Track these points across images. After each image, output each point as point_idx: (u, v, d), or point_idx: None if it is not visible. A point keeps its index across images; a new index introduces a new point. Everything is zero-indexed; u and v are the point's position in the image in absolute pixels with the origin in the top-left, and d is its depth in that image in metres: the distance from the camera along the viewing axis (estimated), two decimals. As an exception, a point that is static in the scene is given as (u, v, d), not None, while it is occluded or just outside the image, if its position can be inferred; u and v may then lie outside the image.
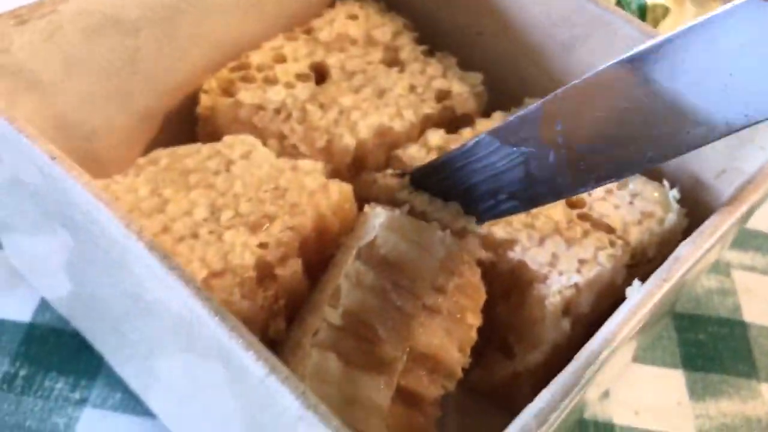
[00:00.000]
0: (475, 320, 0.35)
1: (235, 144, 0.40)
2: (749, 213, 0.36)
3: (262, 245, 0.35)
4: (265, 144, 0.41)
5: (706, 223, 0.33)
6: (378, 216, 0.35)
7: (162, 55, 0.43)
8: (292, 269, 0.35)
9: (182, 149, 0.40)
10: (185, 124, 0.46)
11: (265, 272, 0.35)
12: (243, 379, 0.27)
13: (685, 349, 0.47)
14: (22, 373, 0.41)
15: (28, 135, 0.31)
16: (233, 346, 0.26)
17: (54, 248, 0.37)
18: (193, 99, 0.46)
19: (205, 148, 0.40)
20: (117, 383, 0.41)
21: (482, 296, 0.36)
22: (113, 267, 0.31)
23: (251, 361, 0.25)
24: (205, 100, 0.44)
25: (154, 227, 0.34)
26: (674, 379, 0.46)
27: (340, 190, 0.38)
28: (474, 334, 0.35)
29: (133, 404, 0.41)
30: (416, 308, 0.33)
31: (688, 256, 0.31)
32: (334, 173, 0.41)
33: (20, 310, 0.44)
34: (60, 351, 0.42)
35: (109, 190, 0.36)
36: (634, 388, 0.45)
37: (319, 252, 0.38)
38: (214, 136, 0.42)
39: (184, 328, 0.28)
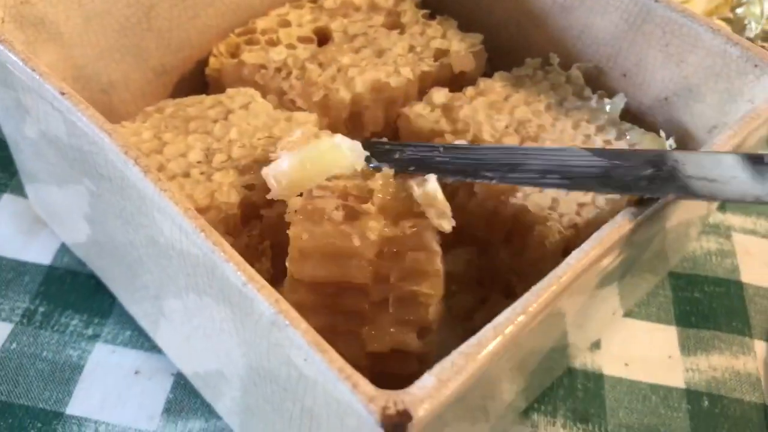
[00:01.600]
0: (430, 293, 0.33)
1: (237, 96, 0.42)
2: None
3: (249, 186, 0.37)
4: (265, 99, 0.43)
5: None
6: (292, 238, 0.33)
7: (175, 13, 0.45)
8: (277, 211, 0.37)
9: (188, 100, 0.42)
10: (198, 83, 0.48)
11: (250, 212, 0.37)
12: (226, 291, 0.29)
13: (679, 307, 0.48)
14: (41, 309, 0.44)
15: (41, 73, 0.33)
16: (216, 259, 0.28)
17: (72, 194, 0.40)
18: (205, 57, 0.48)
19: (208, 99, 0.42)
20: (128, 322, 0.44)
21: (434, 270, 0.33)
22: (116, 196, 0.33)
23: (231, 272, 0.27)
24: (212, 62, 0.47)
25: (152, 166, 0.36)
26: (667, 335, 0.47)
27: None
28: (432, 312, 0.33)
29: (142, 341, 0.43)
30: (365, 307, 0.33)
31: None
32: (331, 129, 0.43)
33: (41, 254, 0.47)
34: (76, 291, 0.45)
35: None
36: (626, 342, 0.46)
37: None
38: (223, 96, 0.44)
39: (176, 247, 0.31)
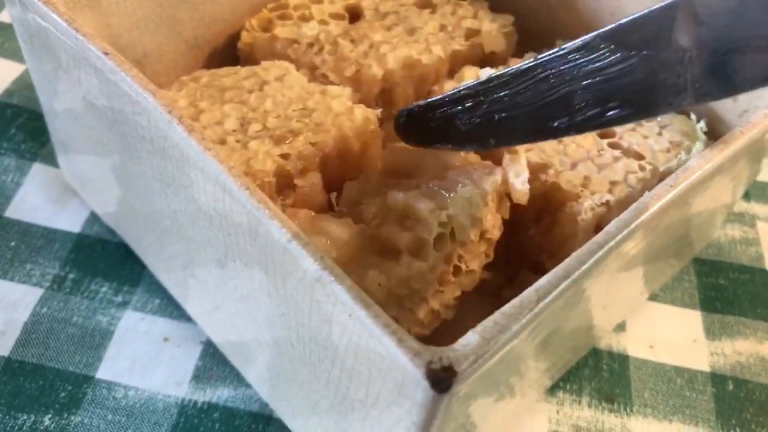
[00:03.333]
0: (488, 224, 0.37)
1: (271, 68, 0.42)
2: (761, 140, 0.37)
3: (284, 156, 0.37)
4: None
5: (719, 141, 0.34)
6: None
7: (209, -14, 0.46)
8: (311, 181, 0.37)
9: (222, 70, 0.42)
10: (229, 57, 0.48)
11: (285, 181, 0.37)
12: (269, 250, 0.29)
13: (704, 293, 0.48)
14: (71, 276, 0.44)
15: (85, 34, 0.33)
16: (261, 216, 0.28)
17: (108, 160, 0.40)
18: (237, 34, 0.48)
19: (243, 70, 0.42)
20: (157, 290, 0.44)
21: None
22: (156, 157, 0.34)
23: (276, 229, 0.28)
24: (245, 37, 0.47)
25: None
26: (692, 319, 0.47)
27: (364, 114, 0.40)
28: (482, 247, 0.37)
29: (171, 309, 0.43)
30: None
31: (695, 167, 0.33)
32: (363, 104, 0.43)
33: (71, 222, 0.47)
34: (105, 259, 0.45)
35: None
36: (650, 325, 0.46)
37: (340, 171, 0.40)
38: (254, 70, 0.45)
39: (218, 207, 0.31)
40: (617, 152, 0.41)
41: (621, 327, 0.46)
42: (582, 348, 0.44)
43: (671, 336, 0.46)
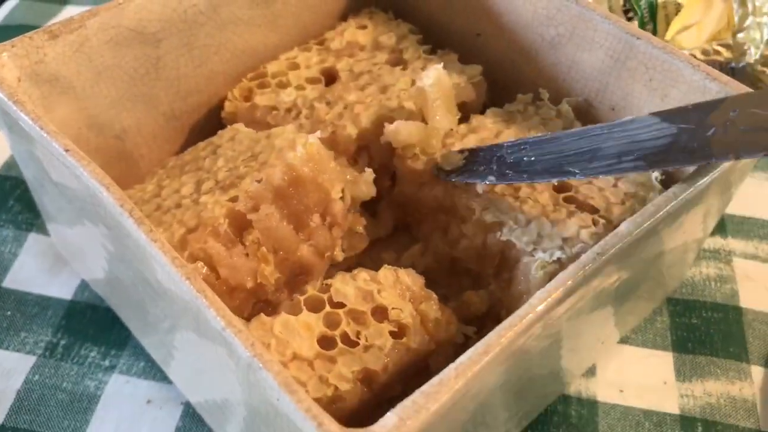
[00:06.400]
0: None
1: (225, 133, 0.45)
2: (703, 195, 0.38)
3: (232, 199, 0.38)
4: None
5: (652, 202, 0.36)
6: None
7: (182, 63, 0.48)
8: (264, 213, 0.38)
9: (187, 151, 0.45)
10: (210, 123, 0.51)
11: (239, 221, 0.38)
12: (210, 335, 0.31)
13: (676, 333, 0.49)
14: (63, 342, 0.47)
15: (48, 131, 0.36)
16: (199, 304, 0.30)
17: (85, 236, 0.43)
18: (215, 101, 0.51)
19: (202, 144, 0.45)
20: (141, 353, 0.47)
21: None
22: (117, 243, 0.36)
23: (212, 317, 0.30)
24: (228, 106, 0.50)
25: (150, 209, 0.39)
26: (663, 361, 0.48)
27: (305, 143, 0.40)
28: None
29: (154, 372, 0.46)
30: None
31: (625, 233, 0.34)
32: (341, 163, 0.45)
33: (63, 289, 0.50)
34: (94, 324, 0.48)
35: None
36: (621, 368, 0.47)
37: (302, 199, 0.40)
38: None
39: (168, 293, 0.33)
40: (572, 206, 0.43)
41: (591, 372, 0.47)
42: (550, 395, 0.45)
43: (641, 379, 0.47)
